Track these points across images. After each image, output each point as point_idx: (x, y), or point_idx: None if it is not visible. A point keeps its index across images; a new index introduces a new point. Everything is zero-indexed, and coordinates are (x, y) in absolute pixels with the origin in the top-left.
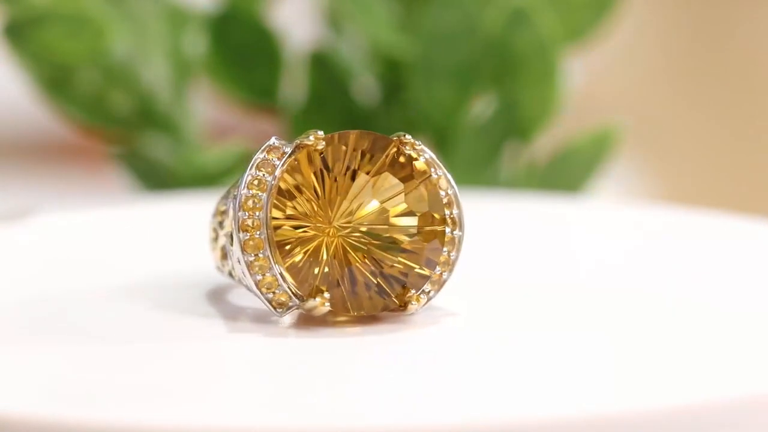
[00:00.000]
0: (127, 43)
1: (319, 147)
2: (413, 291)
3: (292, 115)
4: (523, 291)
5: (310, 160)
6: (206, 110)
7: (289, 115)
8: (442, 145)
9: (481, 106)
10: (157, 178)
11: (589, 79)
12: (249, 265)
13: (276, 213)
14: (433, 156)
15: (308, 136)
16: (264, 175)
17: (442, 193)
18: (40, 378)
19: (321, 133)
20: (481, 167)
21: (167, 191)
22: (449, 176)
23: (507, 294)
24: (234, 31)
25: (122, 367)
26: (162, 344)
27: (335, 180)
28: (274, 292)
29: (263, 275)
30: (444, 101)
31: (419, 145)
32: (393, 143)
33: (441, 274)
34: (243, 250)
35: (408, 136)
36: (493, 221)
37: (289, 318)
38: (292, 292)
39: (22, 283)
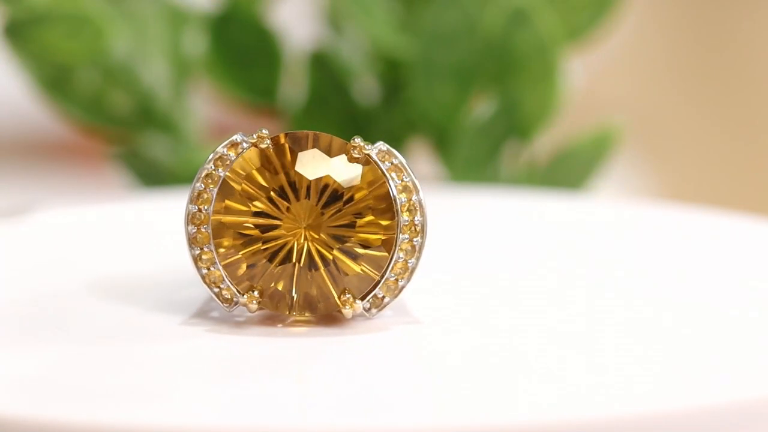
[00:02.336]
0: (127, 43)
1: (262, 146)
2: (348, 295)
3: (292, 115)
4: (511, 290)
5: (259, 159)
6: (206, 110)
7: (289, 115)
8: (442, 145)
9: (481, 106)
10: (157, 178)
11: (589, 79)
12: (195, 259)
13: (224, 208)
14: (404, 161)
15: (252, 135)
16: (219, 170)
17: (403, 199)
18: (26, 377)
19: (266, 131)
20: (481, 167)
21: (166, 188)
22: (417, 182)
23: (492, 294)
24: (234, 31)
25: (102, 368)
26: (148, 344)
27: (284, 181)
28: (219, 287)
29: (208, 269)
30: (444, 101)
31: (370, 148)
32: (346, 147)
33: (397, 280)
34: (190, 243)
35: (358, 140)
36: (491, 217)
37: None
38: (235, 289)
39: (19, 281)
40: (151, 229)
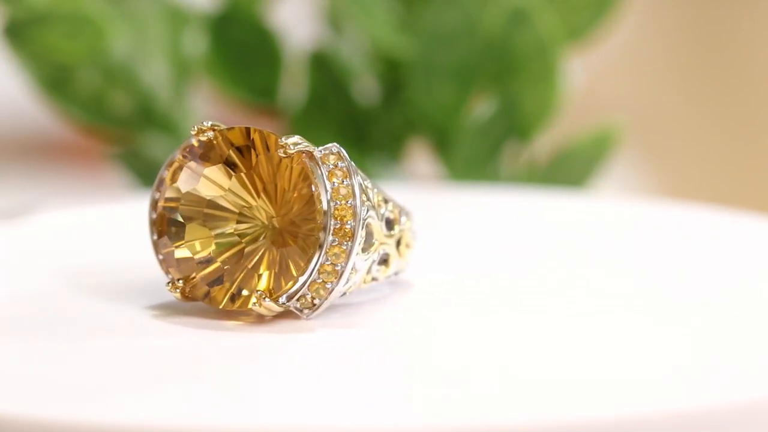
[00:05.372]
0: (127, 43)
1: (203, 138)
2: (259, 292)
3: (292, 115)
4: (511, 290)
5: (204, 149)
6: (206, 110)
7: (289, 115)
8: (442, 145)
9: (481, 106)
10: None
11: (589, 79)
12: (154, 245)
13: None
14: (351, 165)
15: (194, 126)
16: (180, 157)
17: (337, 202)
18: (22, 376)
19: (207, 123)
20: (481, 167)
21: None
22: (356, 187)
23: (492, 294)
24: (234, 31)
25: (97, 367)
26: (134, 341)
27: (218, 172)
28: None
29: (162, 255)
30: (444, 101)
31: (297, 145)
32: (278, 145)
33: (324, 282)
34: (150, 229)
35: (284, 139)
36: (491, 217)
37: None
38: (170, 278)
39: (18, 280)
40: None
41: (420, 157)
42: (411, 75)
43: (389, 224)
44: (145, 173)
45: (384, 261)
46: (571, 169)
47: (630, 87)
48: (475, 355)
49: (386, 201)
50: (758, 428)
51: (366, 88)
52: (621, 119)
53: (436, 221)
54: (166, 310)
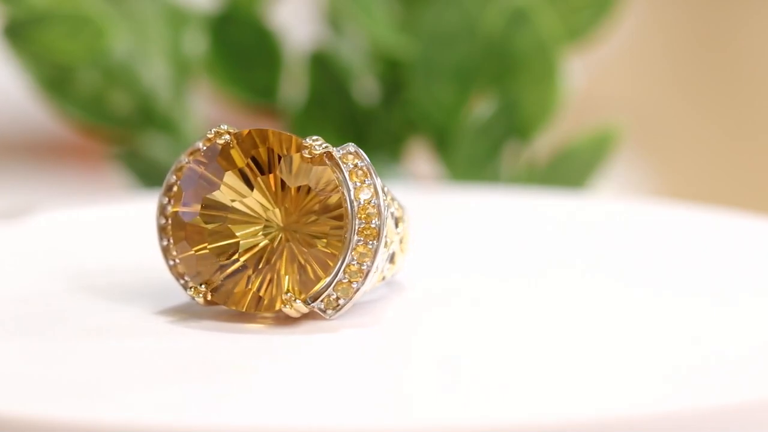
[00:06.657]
0: (127, 43)
1: (220, 141)
2: (289, 294)
3: (292, 115)
4: (511, 290)
5: (220, 154)
6: (206, 110)
7: (289, 115)
8: (442, 145)
9: (481, 106)
10: (157, 178)
11: (589, 79)
12: (164, 250)
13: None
14: (369, 165)
15: (210, 130)
16: (189, 162)
17: (361, 202)
18: (21, 375)
19: (225, 127)
20: (481, 167)
21: None
22: (379, 187)
23: (492, 294)
24: (234, 31)
25: (94, 366)
26: (137, 342)
27: (237, 177)
28: (185, 279)
29: (175, 261)
30: (444, 101)
31: (331, 148)
32: (301, 146)
33: (350, 282)
34: (159, 234)
35: (308, 140)
36: (491, 217)
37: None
38: (189, 283)
39: (18, 280)
40: (150, 229)
41: (420, 157)
42: (411, 75)
43: (396, 222)
44: (145, 173)
45: (391, 259)
46: (571, 169)
47: (630, 87)
48: (473, 354)
49: (393, 199)
50: (758, 428)
51: (366, 88)
52: (621, 119)
53: (436, 221)
54: (175, 312)
